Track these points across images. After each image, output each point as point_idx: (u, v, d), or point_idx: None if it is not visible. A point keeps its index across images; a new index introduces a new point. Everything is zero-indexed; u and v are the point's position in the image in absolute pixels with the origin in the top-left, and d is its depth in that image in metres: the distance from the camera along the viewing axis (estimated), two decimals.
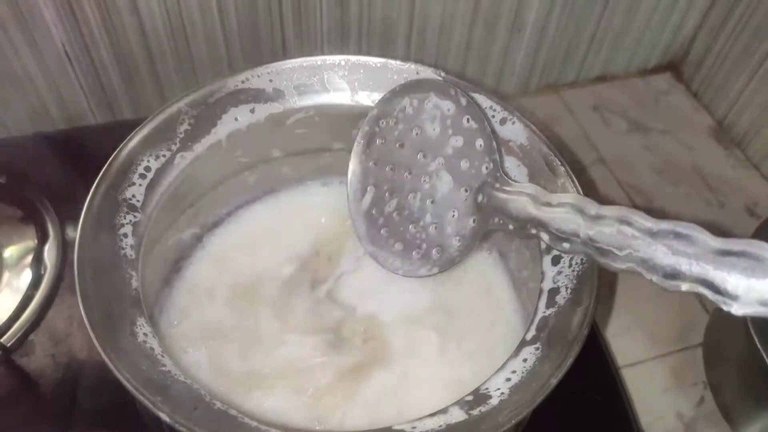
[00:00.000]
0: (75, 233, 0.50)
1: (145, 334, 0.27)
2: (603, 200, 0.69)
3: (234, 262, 0.41)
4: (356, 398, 0.33)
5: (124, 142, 0.32)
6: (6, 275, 0.50)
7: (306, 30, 0.61)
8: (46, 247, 0.51)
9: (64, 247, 0.51)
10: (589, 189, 0.71)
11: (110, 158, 0.31)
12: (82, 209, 0.32)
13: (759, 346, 0.46)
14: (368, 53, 0.64)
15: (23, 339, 0.46)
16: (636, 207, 0.67)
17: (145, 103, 0.62)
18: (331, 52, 0.63)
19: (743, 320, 0.47)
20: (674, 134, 0.78)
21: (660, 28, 0.79)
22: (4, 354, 0.45)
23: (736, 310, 0.23)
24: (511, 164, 0.35)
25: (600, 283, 0.58)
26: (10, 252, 0.52)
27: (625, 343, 0.60)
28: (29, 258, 0.51)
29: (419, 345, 0.34)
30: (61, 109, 0.61)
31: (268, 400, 0.33)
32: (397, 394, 0.33)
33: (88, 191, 0.33)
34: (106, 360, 0.24)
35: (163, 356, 0.26)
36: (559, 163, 0.33)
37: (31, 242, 0.52)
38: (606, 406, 0.46)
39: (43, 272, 0.50)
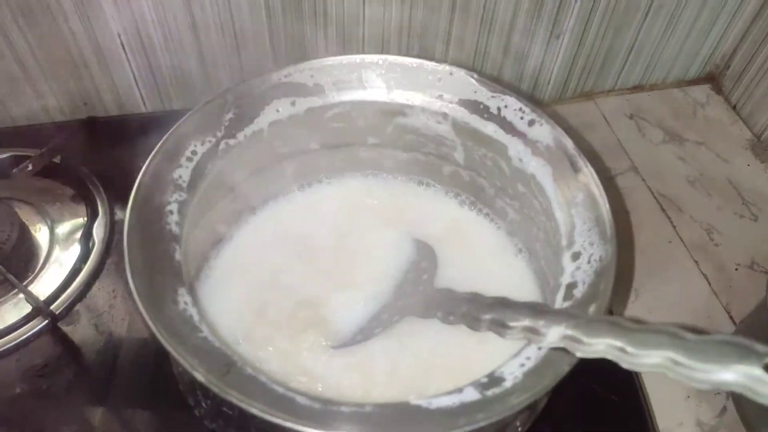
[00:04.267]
0: (123, 213, 0.53)
1: (186, 303, 0.29)
2: (633, 208, 0.70)
3: (268, 245, 0.43)
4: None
5: (174, 126, 0.35)
6: (57, 249, 0.54)
7: (348, 33, 0.63)
8: (95, 225, 0.54)
9: (112, 225, 0.54)
10: (619, 196, 0.72)
11: (161, 141, 0.34)
12: (130, 190, 0.34)
13: None
14: (407, 53, 0.66)
15: (70, 309, 0.50)
16: (667, 216, 0.67)
17: (194, 95, 0.64)
18: (370, 51, 0.65)
19: (765, 333, 0.47)
20: (710, 146, 0.78)
21: (701, 39, 0.78)
22: (52, 321, 0.48)
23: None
24: (536, 164, 0.36)
25: (623, 283, 0.59)
26: (61, 227, 0.55)
27: None
28: (79, 234, 0.54)
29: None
30: (114, 96, 0.65)
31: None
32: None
33: (136, 174, 0.35)
34: (150, 323, 0.26)
35: (200, 323, 0.28)
36: (584, 164, 0.34)
37: (82, 219, 0.55)
38: (623, 405, 0.47)
39: (91, 247, 0.53)
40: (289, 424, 0.24)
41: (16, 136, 0.62)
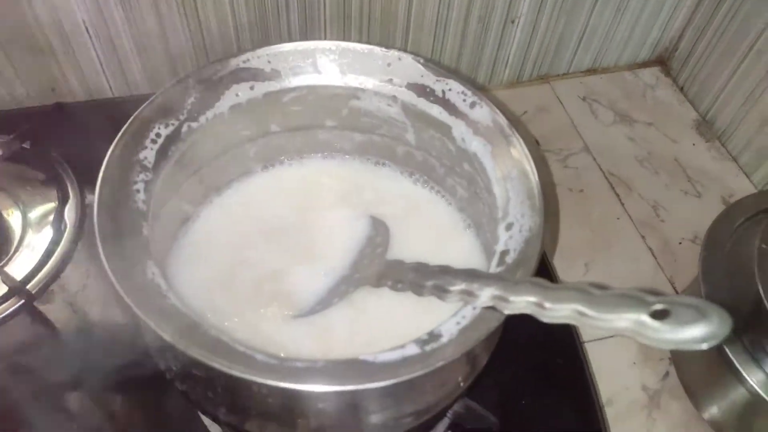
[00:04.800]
0: (93, 195, 0.55)
1: (153, 273, 0.31)
2: (585, 186, 0.74)
3: (233, 224, 0.46)
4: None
5: (138, 110, 0.37)
6: (29, 232, 0.56)
7: (310, 19, 0.65)
8: (66, 208, 0.56)
9: (83, 208, 0.56)
10: (573, 176, 0.76)
11: (126, 124, 0.36)
12: (99, 172, 0.36)
13: None
14: (368, 41, 0.69)
15: (45, 289, 0.52)
16: (616, 194, 0.71)
17: (160, 80, 0.66)
18: (332, 38, 0.68)
19: None
20: (659, 126, 0.82)
21: (650, 23, 0.82)
22: (28, 300, 0.51)
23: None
24: (477, 143, 0.40)
25: (572, 257, 0.62)
26: (33, 212, 0.57)
27: None
28: (51, 217, 0.56)
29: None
30: (81, 82, 0.66)
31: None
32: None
33: (105, 157, 0.37)
34: (119, 290, 0.29)
35: (168, 292, 0.31)
36: (517, 142, 0.37)
37: (53, 203, 0.57)
38: (566, 369, 0.51)
39: (63, 230, 0.55)
40: (247, 377, 0.27)
41: None
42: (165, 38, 0.63)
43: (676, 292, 0.67)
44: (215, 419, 0.37)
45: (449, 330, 0.31)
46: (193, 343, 0.28)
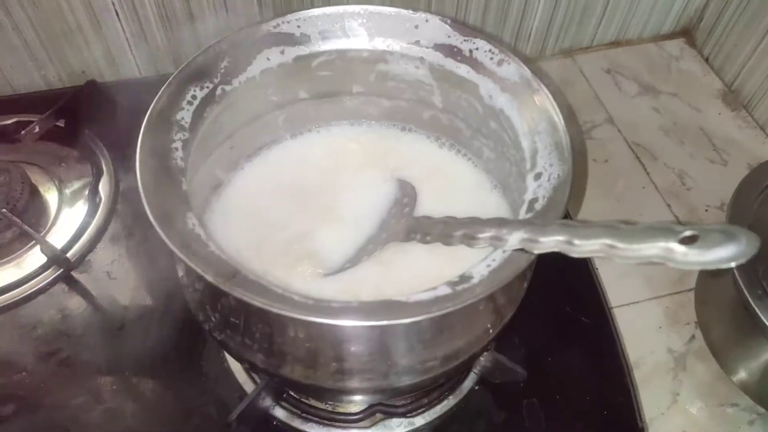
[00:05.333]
0: (125, 170, 0.57)
1: (194, 224, 0.33)
2: (609, 157, 0.74)
3: (263, 189, 0.47)
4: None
5: (174, 74, 0.38)
6: (65, 207, 0.57)
7: None
8: (101, 183, 0.58)
9: (117, 182, 0.58)
10: (597, 147, 0.76)
11: (163, 86, 0.38)
12: (131, 149, 0.37)
13: (744, 289, 0.51)
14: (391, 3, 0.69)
15: (82, 259, 0.54)
16: (641, 164, 0.71)
17: (186, 59, 0.67)
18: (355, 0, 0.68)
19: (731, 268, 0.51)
20: (684, 97, 0.82)
21: None
22: (67, 270, 0.52)
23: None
24: (504, 99, 0.40)
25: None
26: (69, 187, 0.59)
27: (622, 285, 0.64)
28: (86, 192, 0.58)
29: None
30: (110, 63, 0.68)
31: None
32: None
33: (137, 134, 0.38)
34: (164, 237, 0.30)
35: (208, 240, 0.32)
36: (545, 95, 0.38)
37: (88, 179, 0.59)
38: (593, 329, 0.51)
39: (98, 203, 0.57)
40: (287, 314, 0.28)
41: (19, 103, 0.66)
42: (191, 16, 0.64)
43: None
44: (252, 367, 0.38)
45: (480, 272, 0.31)
46: (235, 284, 0.29)
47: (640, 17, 0.84)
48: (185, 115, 0.37)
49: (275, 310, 0.28)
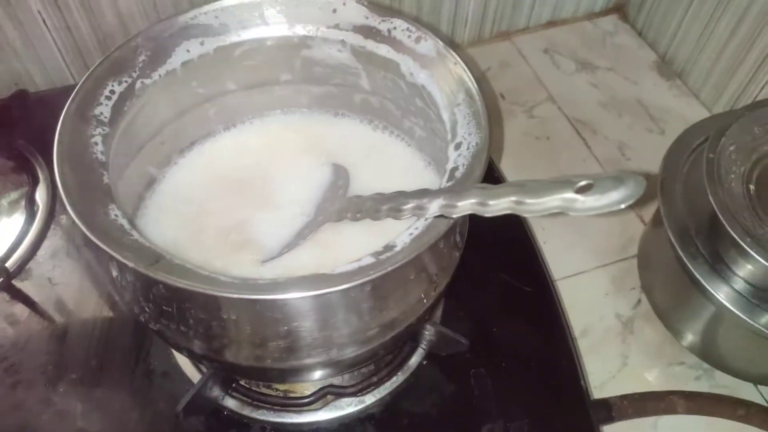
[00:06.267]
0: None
1: (116, 215, 0.33)
2: (552, 135, 0.75)
3: (198, 182, 0.47)
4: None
5: (90, 69, 0.38)
6: (3, 217, 0.57)
7: None
8: (37, 191, 0.57)
9: (54, 189, 0.57)
10: (539, 125, 0.78)
11: (79, 83, 0.37)
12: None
13: (678, 249, 0.52)
14: None
15: (22, 267, 0.53)
16: (582, 139, 0.73)
17: None
18: None
19: (665, 230, 0.53)
20: (619, 71, 0.84)
21: None
22: (7, 279, 0.52)
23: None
24: (424, 76, 0.41)
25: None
26: (6, 198, 0.58)
27: (569, 257, 0.66)
28: (23, 201, 0.57)
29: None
30: (43, 73, 0.67)
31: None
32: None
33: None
34: (83, 228, 0.30)
35: (131, 230, 0.32)
36: (462, 69, 0.39)
37: (25, 188, 0.58)
38: (537, 298, 0.53)
39: (36, 211, 0.56)
40: (211, 292, 0.29)
41: None
42: (121, 21, 0.64)
43: (644, 223, 0.69)
44: (191, 354, 0.38)
45: (402, 240, 0.32)
46: (158, 269, 0.29)
47: None
48: (104, 110, 0.37)
49: (199, 290, 0.28)
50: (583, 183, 0.26)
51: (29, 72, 0.67)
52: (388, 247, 0.32)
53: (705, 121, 0.60)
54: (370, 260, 0.31)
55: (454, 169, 0.35)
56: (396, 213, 0.35)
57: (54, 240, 0.54)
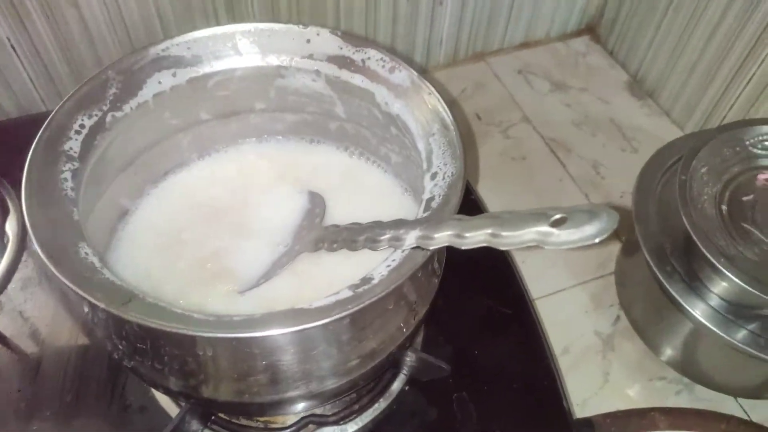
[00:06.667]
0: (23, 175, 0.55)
1: (87, 253, 0.32)
2: (527, 154, 0.76)
3: (172, 212, 0.46)
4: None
5: (60, 104, 0.38)
6: None
7: (237, 7, 0.66)
8: (8, 222, 0.56)
9: (24, 219, 0.56)
10: (514, 145, 0.78)
11: (48, 118, 0.37)
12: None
13: (654, 267, 0.53)
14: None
15: None
16: (557, 158, 0.74)
17: None
18: None
19: (641, 249, 0.54)
20: (592, 91, 0.85)
21: None
22: None
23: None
24: (399, 105, 0.41)
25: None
26: None
27: (547, 276, 0.66)
28: None
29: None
30: (13, 100, 0.66)
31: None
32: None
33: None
34: (52, 267, 0.29)
35: (102, 269, 0.32)
36: (436, 99, 0.39)
37: None
38: (517, 320, 0.53)
39: (6, 243, 0.55)
40: (184, 331, 0.28)
41: None
42: (92, 44, 0.63)
43: (620, 240, 0.69)
44: (167, 391, 0.37)
45: (380, 272, 0.32)
46: (130, 309, 0.29)
47: (545, 17, 0.87)
48: (74, 144, 0.36)
49: (173, 330, 0.28)
50: (557, 216, 0.26)
51: None
52: (366, 280, 0.32)
53: (677, 141, 0.61)
54: (348, 293, 0.31)
55: (430, 199, 0.35)
56: (373, 244, 0.35)
57: (25, 272, 0.53)
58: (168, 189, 0.47)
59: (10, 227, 0.56)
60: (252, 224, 0.46)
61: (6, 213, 0.56)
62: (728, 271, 0.46)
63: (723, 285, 0.50)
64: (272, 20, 0.68)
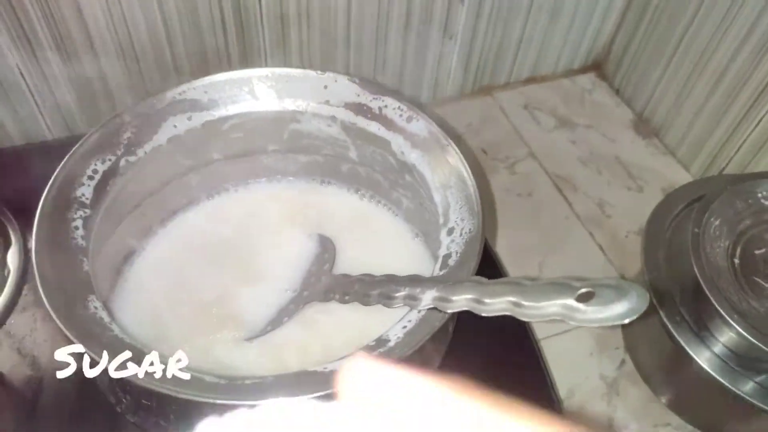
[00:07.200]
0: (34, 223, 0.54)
1: (96, 307, 0.31)
2: (533, 190, 0.76)
3: (180, 253, 0.46)
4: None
5: (74, 148, 0.37)
6: None
7: (249, 47, 0.66)
8: (9, 253, 0.55)
9: (26, 251, 0.55)
10: (520, 181, 0.78)
11: (62, 162, 0.36)
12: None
13: (665, 318, 0.52)
14: (310, 65, 0.70)
15: None
16: (563, 195, 0.74)
17: (98, 119, 0.65)
18: (273, 65, 0.69)
19: (647, 290, 0.53)
20: (598, 128, 0.85)
21: (581, 31, 0.86)
22: None
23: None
24: (415, 155, 0.41)
25: (528, 257, 0.64)
26: None
27: None
28: None
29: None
30: (19, 126, 0.65)
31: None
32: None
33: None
34: (60, 324, 0.29)
35: (111, 324, 0.31)
36: (454, 151, 0.39)
37: None
38: (523, 367, 0.52)
39: (6, 275, 0.54)
40: (196, 398, 0.27)
41: None
42: (102, 76, 0.63)
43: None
44: None
45: (396, 334, 0.31)
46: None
47: (552, 53, 0.87)
48: (86, 191, 0.36)
49: (182, 396, 0.27)
50: (583, 290, 0.26)
51: (3, 123, 0.65)
52: (381, 342, 0.31)
53: (687, 186, 0.61)
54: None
55: (447, 256, 0.35)
56: (387, 300, 0.34)
57: (26, 307, 0.52)
58: (175, 228, 0.47)
59: (12, 259, 0.55)
60: (260, 267, 0.45)
61: (8, 245, 0.55)
62: (739, 326, 0.46)
63: (732, 337, 0.50)
64: (284, 51, 0.69)
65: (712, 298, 0.47)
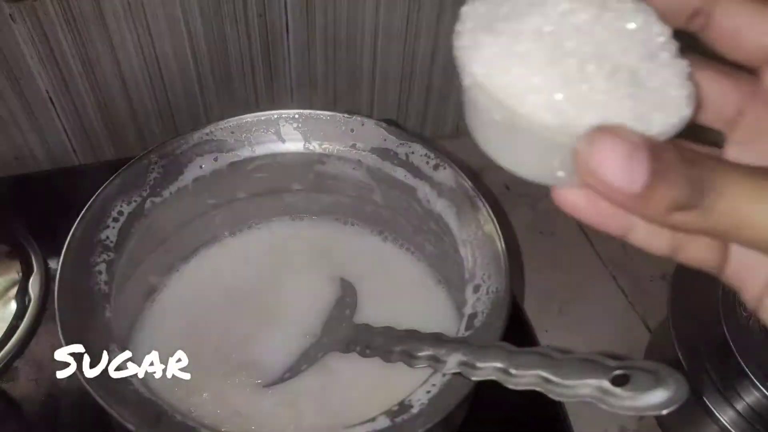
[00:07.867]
0: (57, 266, 0.54)
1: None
2: (557, 230, 0.75)
3: (201, 292, 0.45)
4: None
5: (100, 190, 0.37)
6: None
7: (276, 84, 0.66)
8: (31, 280, 0.55)
9: (47, 279, 0.55)
10: (543, 219, 0.77)
11: (87, 204, 0.36)
12: (63, 245, 0.36)
13: (689, 374, 0.51)
14: (335, 104, 0.70)
15: (8, 366, 0.50)
16: (585, 235, 0.72)
17: (126, 145, 0.66)
18: (299, 104, 0.69)
19: (672, 342, 0.52)
20: None
21: None
22: None
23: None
24: (442, 205, 0.40)
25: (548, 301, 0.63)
26: None
27: None
28: (14, 290, 0.54)
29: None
30: (46, 150, 0.66)
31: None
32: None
33: (70, 228, 0.37)
34: (81, 379, 0.28)
35: (132, 378, 0.30)
36: (482, 205, 0.38)
37: (16, 275, 0.56)
38: (540, 407, 0.51)
39: (27, 303, 0.53)
40: None
41: None
42: (131, 105, 0.63)
43: (649, 330, 0.67)
44: None
45: (419, 399, 0.31)
46: (159, 430, 0.27)
47: None
48: (110, 233, 0.36)
49: None
50: (618, 372, 0.25)
51: (31, 147, 0.66)
52: (404, 407, 0.30)
53: None
54: (386, 423, 0.30)
55: (473, 315, 0.34)
56: (409, 359, 0.33)
57: (45, 336, 0.52)
58: (197, 266, 0.47)
59: (33, 288, 0.55)
60: (280, 312, 0.45)
61: (30, 272, 0.55)
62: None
63: (757, 397, 0.48)
64: (309, 84, 0.69)
65: (743, 363, 0.45)
